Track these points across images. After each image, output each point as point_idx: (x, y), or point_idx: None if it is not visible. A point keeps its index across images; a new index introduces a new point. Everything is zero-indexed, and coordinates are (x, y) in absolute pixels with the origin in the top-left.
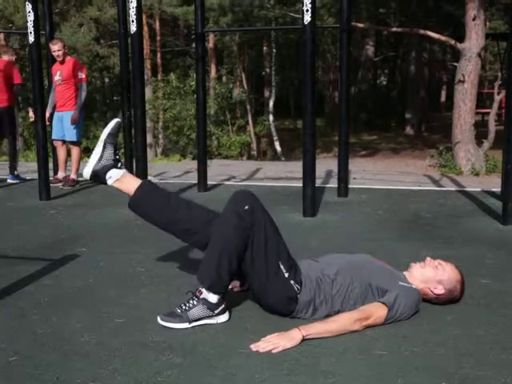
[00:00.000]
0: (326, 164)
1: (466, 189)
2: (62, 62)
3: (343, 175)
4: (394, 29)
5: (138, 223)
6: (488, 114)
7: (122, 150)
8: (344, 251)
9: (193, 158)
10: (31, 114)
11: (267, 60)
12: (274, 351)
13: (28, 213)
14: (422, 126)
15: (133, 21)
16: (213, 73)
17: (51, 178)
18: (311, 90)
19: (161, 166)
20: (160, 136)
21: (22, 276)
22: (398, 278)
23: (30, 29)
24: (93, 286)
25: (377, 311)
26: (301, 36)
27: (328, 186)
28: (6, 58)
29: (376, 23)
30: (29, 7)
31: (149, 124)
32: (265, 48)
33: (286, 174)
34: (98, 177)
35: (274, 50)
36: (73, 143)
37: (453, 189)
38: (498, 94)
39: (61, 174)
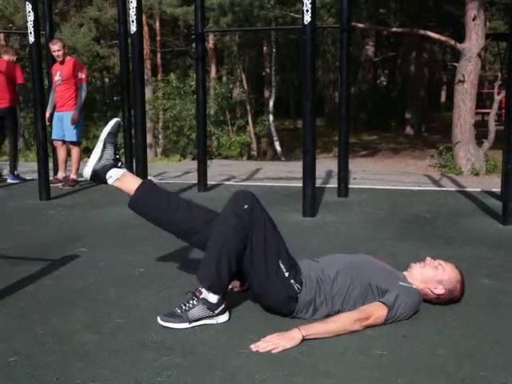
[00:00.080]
0: (326, 164)
1: (465, 189)
2: (62, 62)
3: (343, 175)
4: (394, 29)
5: (137, 223)
6: (488, 114)
7: (122, 150)
8: (344, 251)
9: (193, 158)
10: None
11: (267, 60)
12: (274, 351)
13: (28, 213)
14: (422, 126)
15: (133, 21)
16: (213, 73)
17: (51, 178)
18: (311, 90)
19: (161, 166)
20: (160, 136)
21: (22, 276)
22: (398, 278)
23: (30, 29)
24: (93, 286)
25: (377, 311)
26: (301, 36)
27: (328, 186)
28: (6, 57)
29: (376, 23)
30: (29, 7)
31: (149, 124)
32: (265, 48)
33: (286, 173)
34: (99, 176)
35: (274, 50)
36: (73, 143)
37: (453, 189)
38: (498, 94)
39: (61, 174)
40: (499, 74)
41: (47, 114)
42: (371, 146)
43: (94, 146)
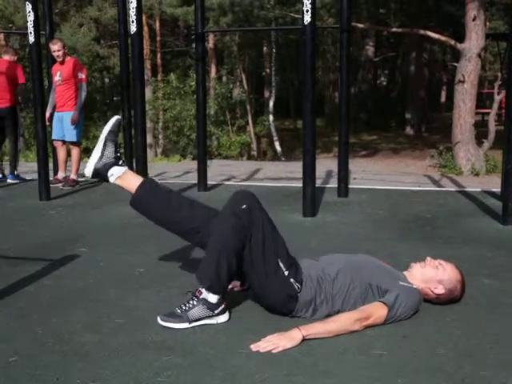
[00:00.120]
0: (325, 164)
1: (465, 189)
2: (62, 63)
3: (343, 175)
4: (394, 29)
5: (137, 223)
6: (488, 114)
7: (122, 150)
8: (344, 251)
9: (193, 158)
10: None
11: (267, 60)
12: (274, 351)
13: (28, 213)
14: (422, 126)
15: (133, 21)
16: (213, 73)
17: (51, 179)
18: (311, 90)
19: (161, 166)
20: (160, 136)
21: (22, 276)
22: (398, 278)
23: (30, 29)
24: (93, 286)
25: (377, 311)
26: (301, 36)
27: (328, 186)
28: (7, 57)
29: (376, 23)
30: (29, 7)
31: (149, 124)
32: (265, 48)
33: (286, 174)
34: (100, 175)
35: (274, 51)
36: (73, 143)
37: (453, 189)
38: (498, 94)
39: (61, 175)
40: (499, 74)
41: (47, 114)
42: (371, 146)
43: (94, 146)
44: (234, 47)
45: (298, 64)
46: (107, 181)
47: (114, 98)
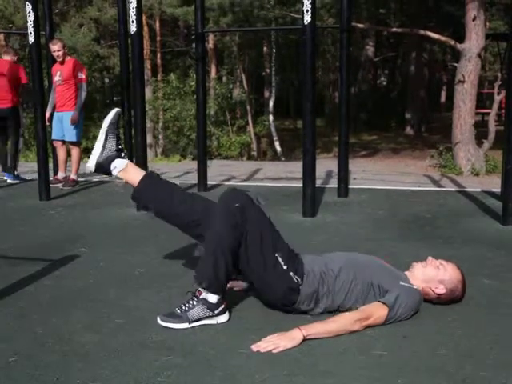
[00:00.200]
0: (326, 164)
1: (465, 189)
2: (62, 63)
3: (343, 175)
4: (394, 29)
5: (137, 223)
6: (488, 114)
7: None
8: (344, 251)
9: (193, 159)
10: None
11: (267, 60)
12: (274, 351)
13: (28, 213)
14: (422, 126)
15: (133, 21)
16: (213, 73)
17: (51, 179)
18: (311, 90)
19: (161, 166)
20: (160, 136)
21: (22, 276)
22: (399, 278)
23: (30, 29)
24: (93, 286)
25: (377, 311)
26: (301, 36)
27: (328, 186)
28: (8, 58)
29: (376, 23)
30: (29, 7)
31: (149, 124)
32: (265, 48)
33: (286, 174)
34: (103, 168)
35: (274, 51)
36: (73, 143)
37: (453, 189)
38: (498, 94)
39: (61, 175)
40: (499, 74)
41: (47, 114)
42: (371, 146)
43: (93, 146)
44: (234, 47)
45: (298, 64)
46: (110, 174)
47: (114, 98)
